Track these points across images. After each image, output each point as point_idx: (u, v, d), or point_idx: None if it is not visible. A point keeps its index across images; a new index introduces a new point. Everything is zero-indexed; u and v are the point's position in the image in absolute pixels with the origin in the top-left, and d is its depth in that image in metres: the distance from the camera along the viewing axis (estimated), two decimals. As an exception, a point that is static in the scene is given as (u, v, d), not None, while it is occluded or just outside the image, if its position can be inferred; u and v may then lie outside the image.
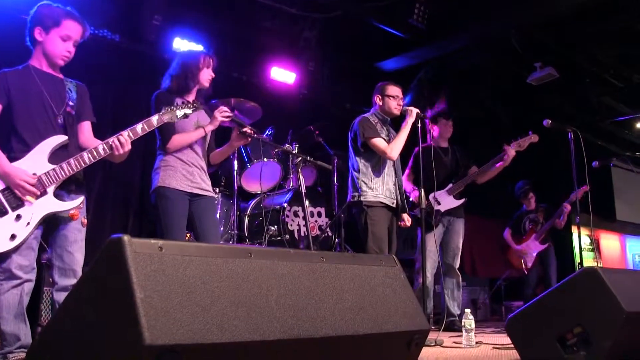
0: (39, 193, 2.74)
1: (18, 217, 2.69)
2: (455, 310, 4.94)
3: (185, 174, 3.44)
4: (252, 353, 1.50)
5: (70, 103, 2.97)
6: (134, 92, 5.77)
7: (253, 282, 1.59)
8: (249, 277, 1.59)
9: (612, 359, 2.37)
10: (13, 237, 2.67)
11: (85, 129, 3.08)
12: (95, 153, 2.86)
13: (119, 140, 2.89)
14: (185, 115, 3.19)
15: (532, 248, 6.32)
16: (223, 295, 1.50)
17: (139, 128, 2.99)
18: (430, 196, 4.80)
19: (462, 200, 5.06)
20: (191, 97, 3.53)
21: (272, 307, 1.57)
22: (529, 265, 6.28)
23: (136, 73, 5.88)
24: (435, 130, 5.23)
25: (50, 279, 2.92)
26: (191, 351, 1.36)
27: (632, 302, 2.37)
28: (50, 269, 2.88)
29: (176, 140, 3.44)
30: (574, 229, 6.54)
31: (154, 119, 3.05)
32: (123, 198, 5.74)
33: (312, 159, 3.79)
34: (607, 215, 9.68)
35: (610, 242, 9.96)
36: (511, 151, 4.89)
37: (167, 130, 3.43)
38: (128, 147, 2.92)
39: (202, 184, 3.51)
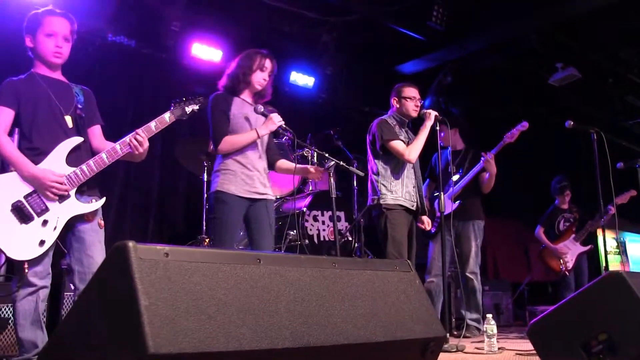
0: (67, 194, 2.75)
1: (44, 222, 2.70)
2: (472, 316, 4.85)
3: (244, 178, 3.39)
4: (260, 361, 1.46)
5: (79, 106, 2.97)
6: (152, 97, 5.80)
7: (262, 289, 1.55)
8: (258, 284, 1.55)
9: (639, 366, 2.29)
10: (42, 242, 2.68)
11: (97, 133, 3.08)
12: (113, 153, 2.86)
13: (136, 139, 2.88)
14: (194, 111, 3.14)
15: (571, 249, 6.04)
16: (230, 302, 1.47)
17: (153, 125, 2.97)
18: (436, 202, 4.74)
19: (457, 204, 4.88)
20: (249, 99, 3.52)
21: (281, 314, 1.53)
22: (570, 266, 5.98)
23: (155, 79, 5.91)
24: (443, 133, 5.12)
25: (71, 285, 2.90)
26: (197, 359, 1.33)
27: (659, 308, 2.28)
28: (69, 274, 2.86)
29: (228, 141, 3.38)
30: (599, 232, 6.38)
31: (166, 116, 3.02)
32: (142, 204, 5.76)
33: (343, 164, 3.73)
34: (634, 217, 9.47)
35: (637, 245, 9.73)
36: (488, 161, 4.82)
37: (217, 132, 3.39)
38: (146, 144, 2.92)
39: (260, 189, 3.45)
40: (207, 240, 4.65)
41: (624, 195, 5.87)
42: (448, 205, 4.89)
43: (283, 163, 3.70)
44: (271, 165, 3.66)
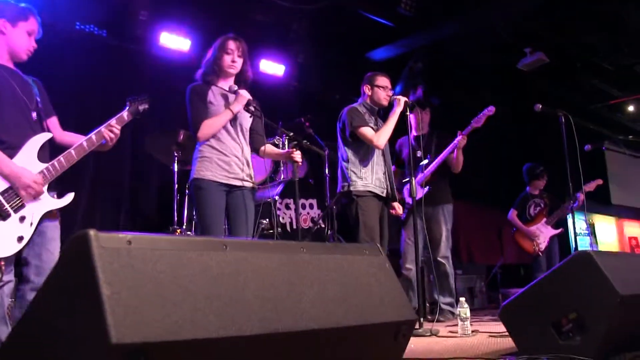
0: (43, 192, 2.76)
1: (22, 218, 2.67)
2: (445, 299, 4.89)
3: (221, 164, 3.36)
4: (228, 349, 1.43)
5: (38, 99, 2.94)
6: (121, 88, 5.69)
7: (229, 276, 1.52)
8: (225, 271, 1.52)
9: (608, 343, 2.32)
10: (20, 239, 2.66)
11: (55, 124, 3.07)
12: (80, 149, 2.87)
13: (112, 130, 2.95)
14: (145, 110, 3.17)
15: (543, 232, 6.14)
16: (196, 290, 1.43)
17: (113, 121, 3.01)
18: (405, 188, 4.75)
19: (427, 189, 4.90)
20: (227, 85, 3.49)
21: (249, 300, 1.50)
22: (542, 248, 6.08)
23: (123, 69, 5.80)
24: (412, 119, 5.12)
25: (25, 277, 2.85)
26: (162, 349, 1.30)
27: (627, 285, 2.31)
28: (25, 266, 2.82)
29: (206, 125, 3.36)
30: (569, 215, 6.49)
31: (124, 114, 3.07)
32: (113, 198, 5.67)
33: (307, 143, 3.71)
34: (602, 199, 9.64)
35: (606, 226, 9.92)
36: (461, 140, 4.87)
37: (196, 119, 3.37)
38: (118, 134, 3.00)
39: (239, 174, 3.42)
40: (178, 230, 4.60)
41: (590, 183, 5.98)
42: (418, 191, 4.90)
43: (269, 148, 3.68)
44: (255, 150, 3.63)
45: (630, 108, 9.68)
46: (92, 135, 2.91)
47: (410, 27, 6.62)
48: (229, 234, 3.48)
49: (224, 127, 3.41)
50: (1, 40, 2.84)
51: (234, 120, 3.44)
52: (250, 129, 3.58)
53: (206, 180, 3.33)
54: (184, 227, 4.78)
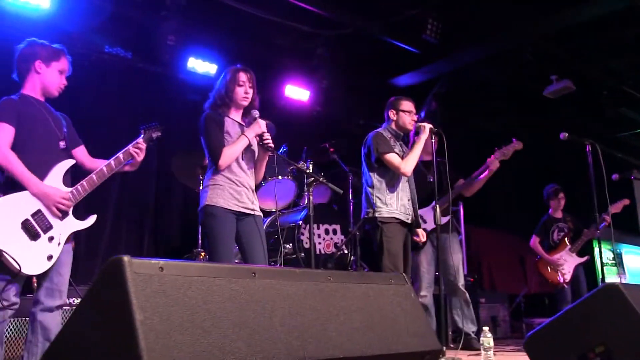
0: (69, 211, 2.93)
1: (50, 238, 2.84)
2: (470, 328, 4.82)
3: (233, 192, 3.39)
4: (256, 376, 1.45)
5: (65, 129, 3.13)
6: (148, 110, 5.81)
7: (257, 303, 1.54)
8: (253, 298, 1.54)
9: (636, 378, 2.28)
10: (50, 257, 2.83)
11: (84, 152, 3.25)
12: (102, 172, 3.05)
13: (138, 147, 3.15)
14: (158, 137, 3.29)
15: (568, 260, 5.95)
16: (225, 316, 1.46)
17: (131, 149, 3.19)
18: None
19: (448, 218, 4.81)
20: (238, 117, 3.54)
21: (276, 328, 1.52)
22: (567, 278, 5.88)
23: (150, 92, 5.93)
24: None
25: (35, 299, 2.93)
26: (192, 375, 1.32)
27: (656, 319, 2.28)
28: (36, 289, 2.93)
29: (227, 153, 3.37)
30: (595, 243, 6.35)
31: (140, 140, 3.22)
32: (138, 219, 5.76)
33: (323, 179, 3.73)
34: (630, 229, 9.49)
35: (634, 256, 9.74)
36: (495, 164, 4.75)
37: (216, 145, 3.39)
38: (144, 154, 3.21)
39: (249, 204, 3.45)
40: (202, 254, 4.64)
41: (617, 204, 5.84)
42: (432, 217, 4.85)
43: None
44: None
45: (659, 136, 9.57)
46: (112, 161, 3.08)
47: (435, 53, 6.66)
48: (244, 260, 3.49)
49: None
50: (36, 78, 3.05)
51: (245, 150, 3.48)
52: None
53: (218, 207, 3.34)
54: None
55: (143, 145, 3.16)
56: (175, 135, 5.72)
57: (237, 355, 1.41)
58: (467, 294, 4.88)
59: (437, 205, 4.09)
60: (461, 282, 4.87)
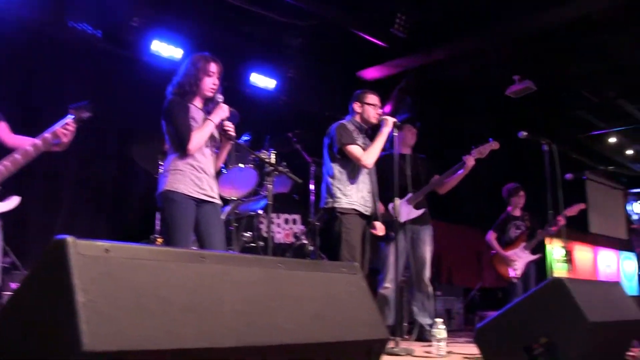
0: None
1: None
2: (427, 321, 4.89)
3: (194, 179, 3.35)
4: (201, 360, 1.45)
5: None
6: (109, 92, 5.70)
7: (206, 288, 1.53)
8: (202, 283, 1.54)
9: (578, 370, 2.36)
10: None
11: (5, 129, 3.14)
12: (30, 151, 2.94)
13: (66, 128, 3.03)
14: (89, 117, 3.18)
15: (521, 257, 6.09)
16: (173, 300, 1.45)
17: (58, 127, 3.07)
18: (390, 206, 4.74)
19: (422, 211, 4.93)
20: (200, 105, 3.48)
21: (225, 313, 1.52)
22: (519, 274, 6.03)
23: (112, 73, 5.81)
24: (398, 137, 5.13)
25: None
26: (136, 358, 1.31)
27: (597, 312, 2.37)
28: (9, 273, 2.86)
29: (196, 137, 3.33)
30: (547, 241, 6.52)
31: (69, 120, 3.10)
32: (95, 202, 5.66)
33: (283, 169, 3.73)
34: (580, 227, 9.77)
35: (583, 254, 10.04)
36: (470, 160, 4.81)
37: (184, 130, 3.33)
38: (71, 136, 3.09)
39: (209, 191, 3.42)
40: (159, 239, 4.59)
41: (573, 207, 6.00)
42: (409, 211, 4.90)
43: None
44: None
45: (612, 140, 9.88)
46: (38, 140, 2.97)
47: (403, 48, 6.71)
48: (201, 246, 3.47)
49: None
50: None
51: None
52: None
53: (179, 193, 3.30)
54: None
55: (72, 127, 3.03)
56: (136, 119, 5.63)
57: (184, 340, 1.40)
58: (430, 288, 4.95)
59: (397, 199, 4.13)
60: (427, 275, 4.93)
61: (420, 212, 4.92)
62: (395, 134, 4.28)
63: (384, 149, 4.26)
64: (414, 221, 4.91)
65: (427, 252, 4.95)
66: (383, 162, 4.25)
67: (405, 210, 4.88)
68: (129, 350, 1.31)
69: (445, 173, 4.94)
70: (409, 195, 4.93)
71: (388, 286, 4.84)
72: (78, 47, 5.54)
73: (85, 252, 1.36)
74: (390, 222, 4.49)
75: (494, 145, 4.84)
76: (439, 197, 5.11)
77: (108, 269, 1.39)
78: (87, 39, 5.55)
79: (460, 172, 4.87)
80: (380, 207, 4.51)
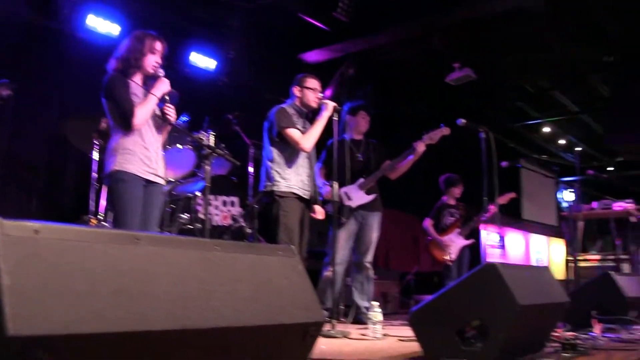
0: None
1: None
2: (364, 304, 4.96)
3: (143, 158, 3.31)
4: (134, 344, 1.41)
5: None
6: (41, 69, 5.47)
7: (139, 270, 1.50)
8: (135, 265, 1.50)
9: (506, 349, 2.44)
10: None
11: None
12: None
13: None
14: (10, 95, 3.10)
15: (455, 242, 6.30)
16: (105, 283, 1.41)
17: None
18: (341, 191, 4.77)
19: (373, 196, 4.96)
20: (140, 82, 3.41)
21: (159, 296, 1.49)
22: (453, 258, 6.24)
23: (43, 48, 5.57)
24: (351, 123, 5.15)
25: None
26: (64, 343, 1.27)
27: (526, 296, 2.45)
28: None
29: (140, 112, 3.27)
30: (482, 227, 6.75)
31: None
32: (27, 182, 5.44)
33: (221, 151, 3.70)
34: (513, 214, 10.12)
35: (515, 239, 10.42)
36: (421, 147, 4.86)
37: (127, 106, 3.26)
38: None
39: (157, 170, 3.40)
40: (93, 220, 4.47)
41: (504, 196, 6.23)
42: (360, 196, 4.92)
43: None
44: None
45: (546, 129, 10.26)
46: None
47: (345, 32, 6.72)
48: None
49: None
50: None
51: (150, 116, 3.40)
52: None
53: (128, 173, 3.27)
54: (100, 217, 4.65)
55: None
56: (70, 97, 5.43)
57: (116, 323, 1.37)
58: (371, 271, 5.01)
59: (335, 183, 4.15)
60: (369, 259, 4.98)
61: (371, 197, 4.94)
62: (335, 118, 4.28)
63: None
64: (365, 207, 4.92)
65: (374, 237, 4.99)
66: (338, 148, 4.26)
67: (356, 195, 4.90)
68: (57, 334, 1.26)
69: (396, 159, 4.98)
70: (361, 180, 4.95)
71: (333, 269, 4.87)
72: (7, 22, 5.27)
73: (12, 233, 1.30)
74: (341, 207, 4.53)
75: (444, 131, 4.90)
76: (379, 183, 5.16)
77: (36, 250, 1.33)
78: (17, 12, 5.28)
79: (410, 157, 4.92)
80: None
